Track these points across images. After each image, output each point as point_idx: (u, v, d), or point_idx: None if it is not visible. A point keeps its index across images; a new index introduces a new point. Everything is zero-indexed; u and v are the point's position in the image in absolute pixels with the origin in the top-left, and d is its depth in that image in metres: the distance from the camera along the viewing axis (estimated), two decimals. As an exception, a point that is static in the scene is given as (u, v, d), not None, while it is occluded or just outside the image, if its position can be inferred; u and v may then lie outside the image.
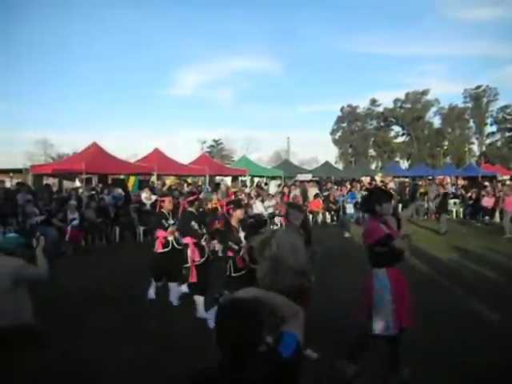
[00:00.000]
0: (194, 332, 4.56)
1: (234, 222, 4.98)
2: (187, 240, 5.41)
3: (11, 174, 24.18)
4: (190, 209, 5.65)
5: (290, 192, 12.60)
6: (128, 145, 75.68)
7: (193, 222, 5.44)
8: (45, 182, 15.80)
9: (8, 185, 14.81)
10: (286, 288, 4.03)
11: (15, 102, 69.16)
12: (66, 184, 17.40)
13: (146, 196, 12.97)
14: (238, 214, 5.00)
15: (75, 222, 10.33)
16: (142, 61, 76.63)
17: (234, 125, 79.41)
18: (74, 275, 7.36)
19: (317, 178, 23.84)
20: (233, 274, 4.74)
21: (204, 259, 5.43)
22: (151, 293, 5.93)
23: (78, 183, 16.37)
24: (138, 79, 76.84)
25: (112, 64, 73.04)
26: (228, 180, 23.42)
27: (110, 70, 75.27)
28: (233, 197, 14.74)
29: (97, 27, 70.64)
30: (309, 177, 23.74)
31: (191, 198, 5.75)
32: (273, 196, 14.94)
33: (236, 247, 4.81)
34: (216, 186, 16.19)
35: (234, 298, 1.80)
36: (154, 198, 12.88)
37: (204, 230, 5.69)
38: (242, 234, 4.93)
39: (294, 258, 3.98)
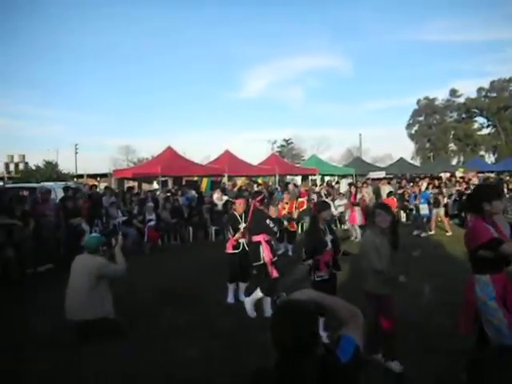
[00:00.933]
0: (265, 331, 4.59)
1: (320, 224, 4.69)
2: (259, 238, 5.37)
3: (98, 179, 26.39)
4: (261, 208, 5.66)
5: (357, 191, 12.09)
6: (201, 147, 78.51)
7: (268, 220, 5.43)
8: (126, 185, 16.97)
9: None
10: (365, 293, 3.93)
11: (103, 113, 74.84)
12: (145, 187, 18.52)
13: (217, 197, 13.39)
14: (324, 215, 4.71)
15: (151, 223, 10.96)
16: (211, 65, 79.05)
17: (304, 124, 79.40)
18: (150, 273, 7.80)
19: (391, 176, 22.89)
20: (316, 279, 4.50)
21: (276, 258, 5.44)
22: (230, 296, 5.96)
23: (155, 185, 17.33)
24: (208, 83, 79.44)
25: (184, 71, 76.28)
26: (298, 179, 23.33)
27: (183, 77, 78.58)
28: (305, 196, 14.71)
29: (169, 37, 74.03)
30: (382, 174, 22.86)
31: (261, 197, 5.73)
32: (344, 195, 14.62)
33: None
34: (286, 186, 16.19)
35: (291, 300, 1.80)
36: (225, 198, 13.27)
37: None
38: (329, 237, 4.63)
39: (377, 262, 3.76)
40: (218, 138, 68.11)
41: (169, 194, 13.65)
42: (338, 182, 19.69)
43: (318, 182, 21.09)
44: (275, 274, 5.26)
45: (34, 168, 36.10)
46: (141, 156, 46.56)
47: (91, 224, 9.62)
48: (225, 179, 16.78)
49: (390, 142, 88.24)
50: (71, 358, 4.11)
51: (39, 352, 4.26)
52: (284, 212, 9.76)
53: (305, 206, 11.32)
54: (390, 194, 14.69)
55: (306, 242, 4.81)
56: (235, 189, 15.37)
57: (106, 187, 14.57)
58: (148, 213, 11.17)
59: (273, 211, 5.33)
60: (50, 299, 5.65)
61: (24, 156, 40.81)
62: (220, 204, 13.02)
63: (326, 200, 13.59)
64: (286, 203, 10.20)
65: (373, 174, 22.92)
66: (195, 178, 18.41)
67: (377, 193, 15.74)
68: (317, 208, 4.88)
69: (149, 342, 4.50)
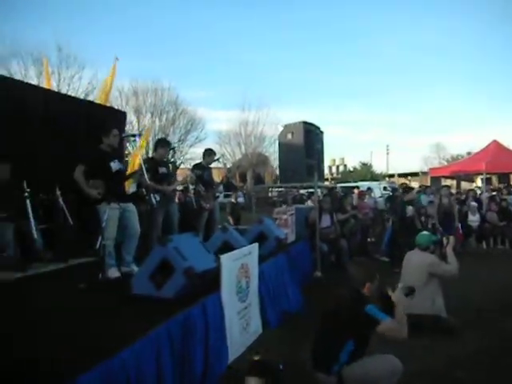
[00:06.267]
0: None
1: None
2: None
3: (409, 178, 26.83)
4: None
5: None
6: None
7: None
8: (443, 183, 16.36)
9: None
10: None
11: (413, 113, 74.81)
12: (464, 185, 17.33)
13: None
14: None
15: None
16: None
17: None
18: (476, 276, 7.11)
19: None
20: None
21: None
22: None
23: (479, 183, 15.99)
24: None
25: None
26: None
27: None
28: None
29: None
30: None
31: None
32: None
33: None
34: None
35: None
36: None
37: None
38: None
39: None
40: None
41: (494, 193, 12.24)
42: None
43: None
44: None
45: (351, 170, 40.28)
46: (452, 153, 43.86)
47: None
48: None
49: None
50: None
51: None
52: None
53: None
54: None
55: None
56: None
57: (421, 185, 14.55)
58: (471, 213, 10.40)
59: None
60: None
61: (343, 159, 46.02)
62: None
63: None
64: None
65: None
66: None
67: None
68: None
69: (480, 348, 4.16)
